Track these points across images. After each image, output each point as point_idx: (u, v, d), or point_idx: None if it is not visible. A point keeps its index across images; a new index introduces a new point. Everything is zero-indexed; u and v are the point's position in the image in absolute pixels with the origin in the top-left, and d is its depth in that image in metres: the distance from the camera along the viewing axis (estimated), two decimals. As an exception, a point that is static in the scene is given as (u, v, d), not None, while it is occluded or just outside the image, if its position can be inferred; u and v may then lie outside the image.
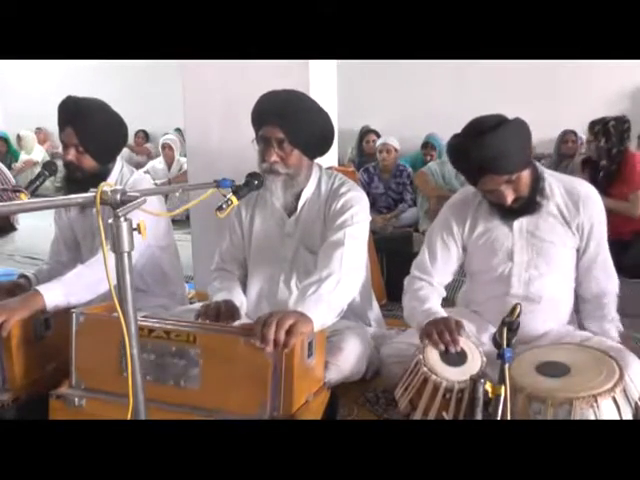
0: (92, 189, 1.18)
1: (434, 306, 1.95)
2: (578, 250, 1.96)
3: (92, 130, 2.13)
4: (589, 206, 1.92)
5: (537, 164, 1.97)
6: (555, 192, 1.94)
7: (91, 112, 2.15)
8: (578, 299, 2.03)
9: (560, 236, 1.94)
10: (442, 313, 1.91)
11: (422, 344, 1.80)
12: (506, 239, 1.97)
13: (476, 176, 1.85)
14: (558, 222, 1.93)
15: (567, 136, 5.55)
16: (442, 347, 1.75)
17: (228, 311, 1.94)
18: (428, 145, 6.02)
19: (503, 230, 1.97)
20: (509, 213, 1.93)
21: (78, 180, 2.15)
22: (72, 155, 2.14)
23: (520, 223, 1.95)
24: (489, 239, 2.00)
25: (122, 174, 2.28)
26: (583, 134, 5.77)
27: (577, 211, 1.92)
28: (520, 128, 1.82)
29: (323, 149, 2.10)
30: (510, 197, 1.84)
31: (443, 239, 2.05)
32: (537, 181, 1.90)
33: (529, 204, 1.90)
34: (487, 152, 1.75)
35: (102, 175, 2.19)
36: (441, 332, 1.76)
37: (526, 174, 1.84)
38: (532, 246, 1.96)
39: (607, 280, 1.97)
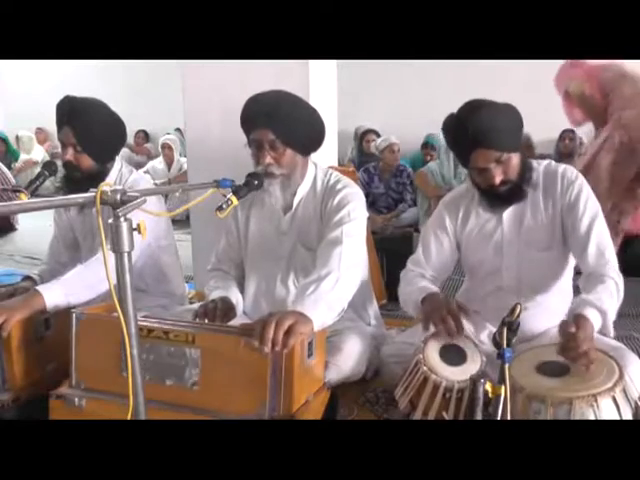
0: (92, 189, 1.18)
1: (428, 284, 1.99)
2: (567, 231, 1.94)
3: (90, 129, 2.13)
4: (564, 182, 1.94)
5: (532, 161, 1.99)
6: (540, 173, 1.98)
7: (89, 111, 2.15)
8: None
9: (548, 226, 1.95)
10: (435, 289, 1.96)
11: (422, 338, 1.81)
12: (496, 231, 2.00)
13: (468, 151, 1.87)
14: (544, 209, 1.95)
15: (565, 134, 5.54)
16: (448, 338, 1.76)
17: (223, 309, 1.95)
18: (428, 145, 6.03)
19: (493, 223, 2.01)
20: (498, 201, 1.95)
21: (77, 180, 2.15)
22: (70, 155, 2.14)
23: (509, 215, 1.98)
24: (480, 232, 2.03)
25: (121, 174, 2.28)
26: (583, 134, 5.78)
27: (554, 187, 1.94)
28: (512, 111, 1.89)
29: (316, 145, 2.10)
30: (498, 177, 1.86)
31: (436, 234, 2.09)
32: (525, 169, 1.93)
33: (515, 190, 1.92)
34: (480, 125, 1.80)
35: (101, 175, 2.19)
36: (444, 318, 1.77)
37: (515, 159, 1.88)
38: (521, 238, 1.98)
39: (602, 256, 1.87)
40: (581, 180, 1.95)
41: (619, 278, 1.80)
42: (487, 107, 1.83)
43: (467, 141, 1.84)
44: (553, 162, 2.03)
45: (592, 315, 1.67)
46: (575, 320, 1.66)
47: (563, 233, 1.95)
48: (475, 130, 1.80)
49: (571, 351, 1.56)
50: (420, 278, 2.05)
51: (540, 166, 2.00)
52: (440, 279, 2.12)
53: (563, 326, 1.61)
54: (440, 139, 5.76)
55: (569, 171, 1.97)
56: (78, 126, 2.11)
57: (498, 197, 1.94)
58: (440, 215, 2.10)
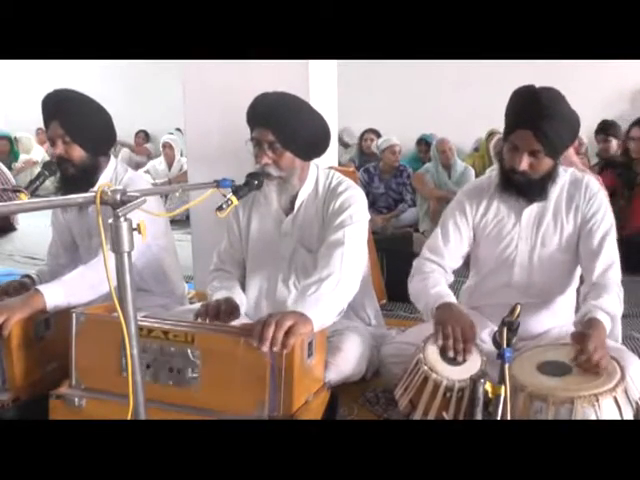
0: (91, 189, 1.18)
1: (444, 289, 1.98)
2: (579, 240, 1.97)
3: (76, 119, 2.12)
4: (588, 192, 1.97)
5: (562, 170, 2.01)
6: (566, 180, 2.00)
7: (73, 102, 2.15)
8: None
9: (567, 230, 1.97)
10: (452, 297, 1.94)
11: (426, 339, 1.80)
12: (513, 227, 2.02)
13: (518, 125, 1.86)
14: (565, 214, 1.97)
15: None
16: (451, 354, 1.74)
17: (228, 309, 1.94)
18: (422, 142, 6.13)
19: (512, 218, 2.02)
20: (511, 188, 1.96)
21: (71, 176, 2.13)
22: (60, 148, 2.13)
23: (529, 213, 1.99)
24: (497, 225, 2.04)
25: (116, 172, 2.27)
26: (583, 134, 5.78)
27: (578, 195, 1.97)
28: (577, 122, 1.90)
29: (317, 151, 2.09)
30: (524, 165, 1.87)
31: (456, 221, 2.08)
32: (552, 172, 1.94)
33: (530, 187, 1.93)
34: (547, 113, 1.80)
35: (94, 169, 2.19)
36: (456, 340, 1.75)
37: (548, 164, 1.89)
38: (538, 237, 1.99)
39: (609, 270, 1.91)
40: (602, 193, 1.99)
41: (620, 291, 1.85)
42: (563, 101, 1.85)
43: (524, 115, 1.84)
44: (577, 171, 2.05)
45: (604, 319, 1.70)
46: (588, 324, 1.68)
47: (578, 239, 1.98)
48: (538, 111, 1.80)
49: (584, 363, 1.59)
50: (436, 274, 2.04)
51: (566, 174, 2.01)
52: (454, 267, 2.12)
53: (576, 338, 1.64)
54: (434, 137, 5.84)
55: (592, 182, 2.00)
56: (64, 117, 2.11)
57: (509, 183, 1.95)
58: (461, 202, 2.10)
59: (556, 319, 2.01)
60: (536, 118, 1.82)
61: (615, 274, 1.88)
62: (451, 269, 2.10)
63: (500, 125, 2.04)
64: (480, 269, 2.15)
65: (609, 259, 1.89)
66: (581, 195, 1.97)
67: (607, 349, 1.67)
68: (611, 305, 1.76)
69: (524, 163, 1.86)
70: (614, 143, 4.69)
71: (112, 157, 2.31)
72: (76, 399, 1.68)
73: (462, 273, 2.32)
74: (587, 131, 5.82)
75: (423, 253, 2.11)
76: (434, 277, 2.02)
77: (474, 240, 2.10)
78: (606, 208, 1.96)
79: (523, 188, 1.93)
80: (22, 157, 8.00)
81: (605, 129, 4.78)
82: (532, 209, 1.99)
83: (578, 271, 2.06)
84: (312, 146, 2.06)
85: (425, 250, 2.12)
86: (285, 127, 1.95)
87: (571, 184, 1.99)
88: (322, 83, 2.84)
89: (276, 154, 1.98)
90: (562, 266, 2.01)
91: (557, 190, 1.98)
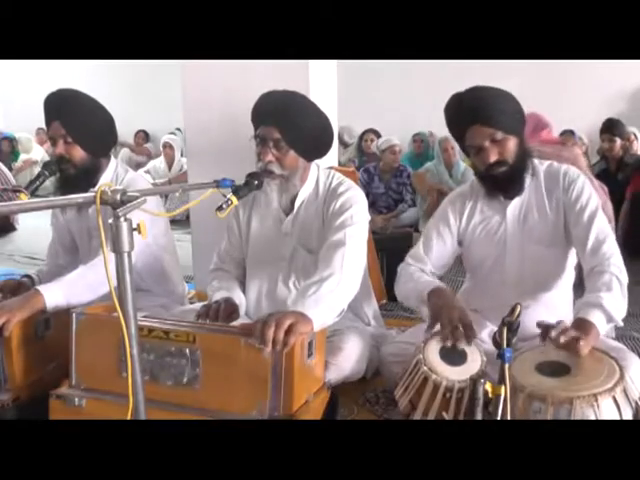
0: (91, 189, 1.18)
1: (431, 278, 2.00)
2: (569, 226, 1.97)
3: (78, 119, 2.12)
4: (566, 180, 1.97)
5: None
6: (541, 172, 2.01)
7: (75, 102, 2.16)
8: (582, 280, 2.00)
9: (552, 222, 1.97)
10: (442, 284, 1.96)
11: (423, 338, 1.80)
12: (500, 227, 2.02)
13: (464, 128, 1.90)
14: (548, 206, 1.97)
15: (564, 134, 5.48)
16: (449, 343, 1.74)
17: (227, 309, 1.95)
18: (417, 137, 6.24)
19: (497, 218, 2.03)
20: (496, 187, 1.97)
21: (71, 177, 2.13)
22: (61, 148, 2.12)
23: (513, 210, 2.00)
24: (484, 228, 2.05)
25: (117, 173, 2.27)
26: (583, 134, 5.77)
27: (557, 185, 1.97)
28: (511, 96, 1.93)
29: (321, 151, 2.10)
30: (493, 157, 1.88)
31: (439, 230, 2.09)
32: (524, 154, 1.95)
33: (512, 175, 1.93)
34: (477, 100, 1.87)
35: (95, 170, 2.19)
36: (455, 327, 1.76)
37: (513, 141, 1.91)
38: (525, 233, 2.00)
39: (601, 249, 1.89)
40: (583, 178, 1.98)
41: (620, 272, 1.81)
42: (486, 87, 1.91)
43: (463, 117, 1.89)
44: (555, 162, 2.05)
45: (596, 317, 1.69)
46: (579, 325, 1.68)
47: (565, 229, 1.98)
48: (471, 104, 1.86)
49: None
50: (421, 273, 2.05)
51: (542, 166, 2.02)
52: (438, 275, 2.12)
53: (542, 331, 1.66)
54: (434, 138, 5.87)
55: (571, 170, 2.00)
56: (66, 117, 2.11)
57: (496, 181, 1.95)
58: (444, 211, 2.11)
59: (554, 317, 2.00)
60: (472, 110, 1.87)
61: (609, 253, 1.85)
62: (433, 275, 2.09)
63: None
64: (474, 271, 2.16)
65: (602, 233, 1.88)
66: (559, 184, 1.97)
67: (600, 345, 1.68)
68: (602, 296, 1.72)
69: (492, 154, 1.88)
70: (618, 143, 4.66)
71: (112, 158, 2.31)
72: (76, 399, 1.68)
73: (462, 273, 2.32)
74: (587, 131, 5.82)
75: (406, 260, 2.12)
76: (418, 275, 2.04)
77: (462, 246, 2.11)
78: (590, 191, 1.95)
79: (505, 179, 1.93)
80: (22, 157, 8.02)
81: (610, 128, 4.75)
82: (515, 205, 2.00)
83: (571, 264, 2.06)
84: (316, 146, 2.07)
85: (408, 258, 2.13)
86: (292, 125, 1.96)
87: (547, 176, 2.00)
88: (322, 83, 2.84)
89: (281, 152, 1.98)
90: (552, 259, 2.02)
91: (535, 182, 1.98)
